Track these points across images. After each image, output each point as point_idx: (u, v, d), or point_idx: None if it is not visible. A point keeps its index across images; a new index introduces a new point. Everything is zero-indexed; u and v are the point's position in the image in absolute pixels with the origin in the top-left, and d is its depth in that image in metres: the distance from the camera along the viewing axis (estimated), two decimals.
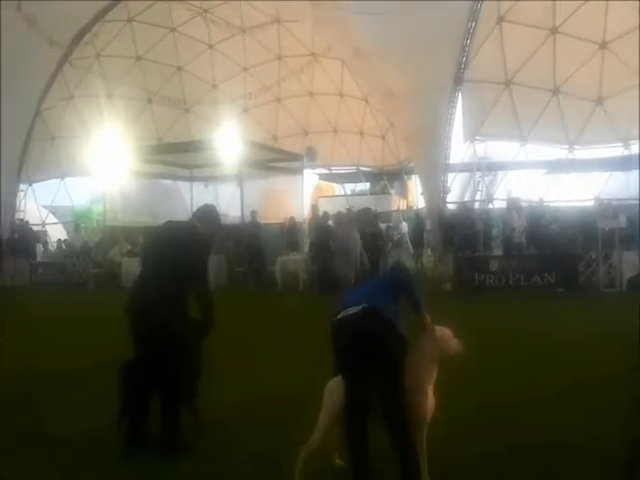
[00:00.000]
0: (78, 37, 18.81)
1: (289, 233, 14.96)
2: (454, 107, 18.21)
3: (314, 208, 15.77)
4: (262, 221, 15.71)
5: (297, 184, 17.59)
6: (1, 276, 16.23)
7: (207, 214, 4.40)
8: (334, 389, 3.40)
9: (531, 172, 19.66)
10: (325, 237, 13.59)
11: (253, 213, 15.29)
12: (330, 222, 14.10)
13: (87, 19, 18.52)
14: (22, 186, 20.41)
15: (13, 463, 3.69)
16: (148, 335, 3.96)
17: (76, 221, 20.89)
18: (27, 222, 19.57)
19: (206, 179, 20.19)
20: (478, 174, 20.07)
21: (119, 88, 20.22)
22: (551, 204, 17.49)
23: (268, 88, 21.14)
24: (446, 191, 18.51)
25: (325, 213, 14.87)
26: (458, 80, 17.96)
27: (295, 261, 14.23)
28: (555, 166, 18.74)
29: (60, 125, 19.98)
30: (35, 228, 19.97)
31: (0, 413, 4.68)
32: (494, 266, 13.71)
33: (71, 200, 22.71)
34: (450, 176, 18.58)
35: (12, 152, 19.14)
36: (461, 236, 14.64)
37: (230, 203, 17.22)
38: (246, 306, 10.96)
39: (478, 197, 20.17)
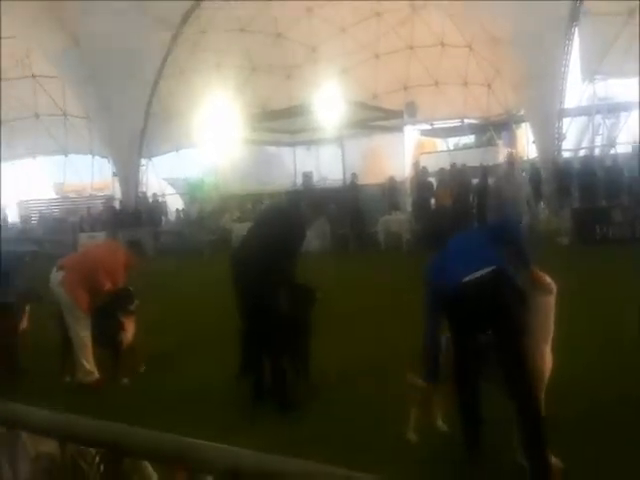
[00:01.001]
0: (186, 15, 19.71)
1: (390, 193, 14.77)
2: (570, 45, 16.67)
3: (416, 166, 15.40)
4: (364, 182, 15.67)
5: (398, 142, 17.26)
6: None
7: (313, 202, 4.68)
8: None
9: None
10: (427, 194, 13.28)
11: (353, 176, 15.26)
12: (431, 179, 13.74)
13: None
14: (143, 161, 22.04)
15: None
16: (253, 305, 4.27)
17: (191, 191, 22.26)
18: (154, 194, 21.24)
19: (308, 143, 20.45)
20: (598, 117, 18.38)
21: (225, 60, 20.91)
22: None
23: (367, 46, 20.74)
24: (561, 138, 17.19)
25: (424, 169, 14.45)
26: (574, 15, 16.35)
27: (398, 221, 14.06)
28: None
29: (173, 100, 21.14)
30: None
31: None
32: (618, 217, 12.58)
33: (186, 172, 24.23)
34: (566, 121, 17.20)
35: (133, 129, 20.74)
36: (579, 185, 13.60)
37: (331, 165, 17.34)
38: (349, 268, 11.07)
39: (598, 142, 18.53)
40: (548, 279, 3.10)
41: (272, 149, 21.69)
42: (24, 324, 5.73)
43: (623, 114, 18.22)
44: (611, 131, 18.30)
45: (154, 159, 23.04)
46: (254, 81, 22.00)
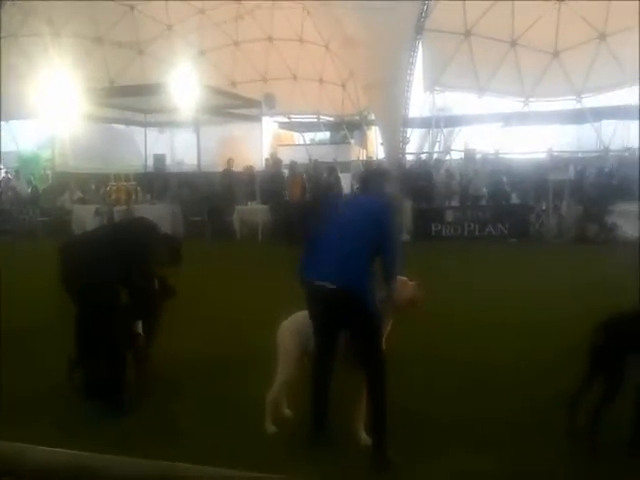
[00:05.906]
0: None
1: (247, 182, 14.70)
2: (414, 57, 18.09)
3: (272, 157, 15.53)
4: (217, 169, 15.38)
5: (255, 132, 17.25)
6: None
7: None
8: (288, 332, 3.45)
9: (488, 124, 19.88)
10: (280, 186, 13.48)
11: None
12: (285, 170, 13.97)
13: None
14: None
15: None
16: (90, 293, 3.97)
17: (23, 167, 19.94)
18: None
19: (161, 125, 19.54)
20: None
21: (66, 27, 19.01)
22: (506, 156, 17.83)
23: (226, 30, 20.37)
24: (405, 142, 18.57)
25: (277, 160, 14.69)
26: (419, 29, 17.76)
27: (253, 211, 14.06)
28: (510, 119, 19.01)
29: (5, 64, 18.73)
30: None
31: None
32: (450, 217, 13.94)
33: (17, 145, 21.71)
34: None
35: None
36: (419, 187, 14.77)
37: (186, 150, 16.74)
38: (205, 257, 10.78)
39: (437, 148, 20.37)
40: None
41: (121, 128, 20.31)
42: None
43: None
44: (447, 139, 20.23)
45: None
46: (100, 53, 20.38)
